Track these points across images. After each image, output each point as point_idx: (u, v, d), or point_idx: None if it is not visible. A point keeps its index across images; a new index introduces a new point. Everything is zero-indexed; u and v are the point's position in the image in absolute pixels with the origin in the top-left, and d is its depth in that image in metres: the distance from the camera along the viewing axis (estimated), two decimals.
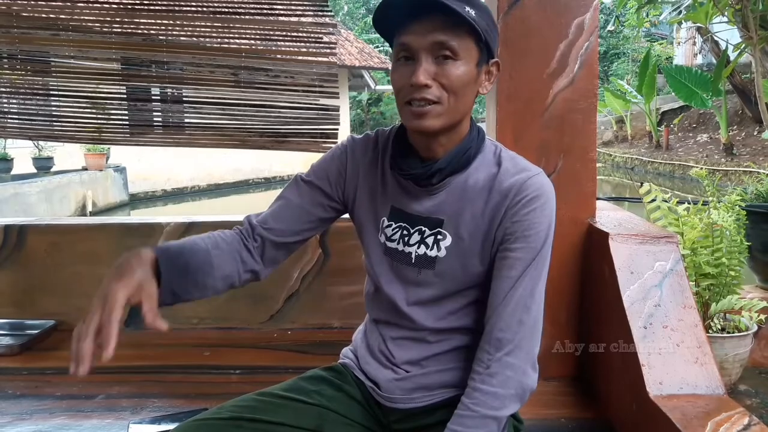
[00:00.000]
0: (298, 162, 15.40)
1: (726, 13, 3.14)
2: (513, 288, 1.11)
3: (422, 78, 1.04)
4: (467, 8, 1.02)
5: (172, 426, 1.21)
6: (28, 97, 2.64)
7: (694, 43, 16.54)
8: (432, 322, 1.20)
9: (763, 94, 3.04)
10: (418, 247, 1.17)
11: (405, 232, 1.19)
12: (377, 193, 1.22)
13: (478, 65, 1.09)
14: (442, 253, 1.16)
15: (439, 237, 1.16)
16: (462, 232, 1.15)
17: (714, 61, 11.83)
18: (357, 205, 1.25)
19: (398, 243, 1.19)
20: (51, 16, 2.51)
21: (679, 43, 18.85)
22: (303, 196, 1.25)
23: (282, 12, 2.50)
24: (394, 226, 1.20)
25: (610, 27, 21.89)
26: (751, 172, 9.54)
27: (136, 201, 13.53)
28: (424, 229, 1.17)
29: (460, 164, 1.14)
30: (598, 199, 2.26)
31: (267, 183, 16.46)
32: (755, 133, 12.21)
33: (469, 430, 1.07)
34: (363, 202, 1.24)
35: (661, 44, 20.11)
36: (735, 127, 13.02)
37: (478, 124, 1.21)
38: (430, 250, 1.17)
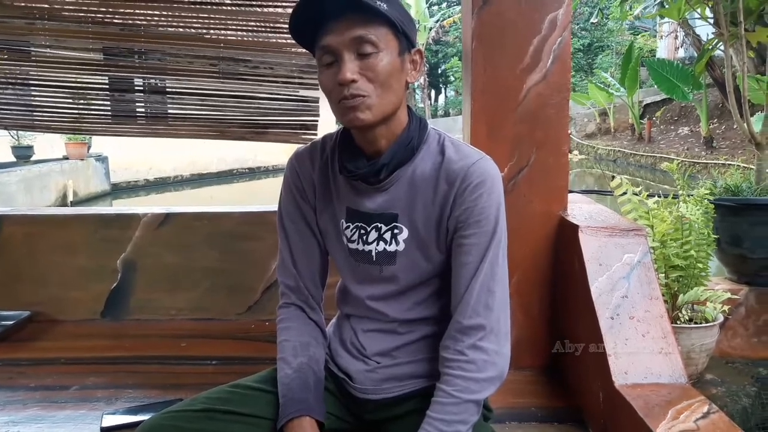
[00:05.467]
0: (282, 153, 15.36)
1: (698, 10, 3.19)
2: (475, 275, 1.13)
3: (349, 74, 1.06)
4: (378, 2, 1.05)
5: (145, 417, 1.22)
6: (7, 86, 2.62)
7: (677, 37, 16.66)
8: (400, 314, 1.23)
9: (733, 89, 3.09)
10: (377, 244, 1.20)
11: (363, 231, 1.21)
12: (332, 197, 1.25)
13: (401, 54, 1.11)
14: (401, 246, 1.19)
15: (395, 231, 1.19)
16: (417, 224, 1.18)
17: (695, 55, 11.93)
18: (318, 212, 1.27)
19: (358, 243, 1.21)
20: (29, 4, 2.49)
21: (662, 37, 18.96)
22: (300, 239, 1.28)
23: (263, 3, 2.49)
24: (351, 226, 1.22)
25: (593, 19, 21.99)
26: (729, 165, 9.67)
27: (118, 190, 13.41)
28: (380, 225, 1.19)
29: (405, 156, 1.16)
30: (572, 191, 2.30)
31: (251, 173, 16.38)
32: (735, 127, 12.33)
33: (453, 416, 1.10)
34: (322, 208, 1.27)
35: (644, 37, 20.21)
36: (715, 120, 13.16)
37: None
38: (389, 245, 1.19)
